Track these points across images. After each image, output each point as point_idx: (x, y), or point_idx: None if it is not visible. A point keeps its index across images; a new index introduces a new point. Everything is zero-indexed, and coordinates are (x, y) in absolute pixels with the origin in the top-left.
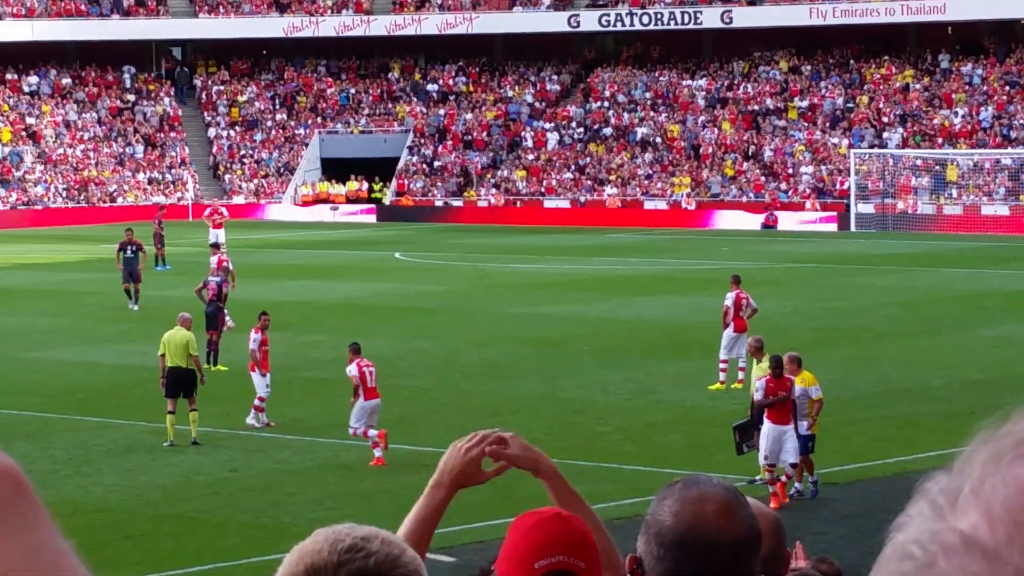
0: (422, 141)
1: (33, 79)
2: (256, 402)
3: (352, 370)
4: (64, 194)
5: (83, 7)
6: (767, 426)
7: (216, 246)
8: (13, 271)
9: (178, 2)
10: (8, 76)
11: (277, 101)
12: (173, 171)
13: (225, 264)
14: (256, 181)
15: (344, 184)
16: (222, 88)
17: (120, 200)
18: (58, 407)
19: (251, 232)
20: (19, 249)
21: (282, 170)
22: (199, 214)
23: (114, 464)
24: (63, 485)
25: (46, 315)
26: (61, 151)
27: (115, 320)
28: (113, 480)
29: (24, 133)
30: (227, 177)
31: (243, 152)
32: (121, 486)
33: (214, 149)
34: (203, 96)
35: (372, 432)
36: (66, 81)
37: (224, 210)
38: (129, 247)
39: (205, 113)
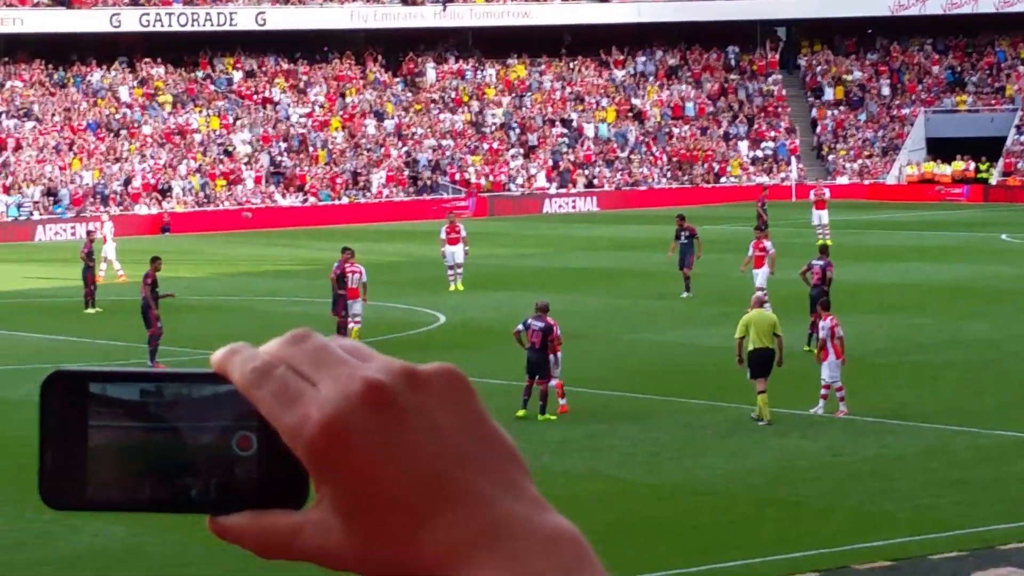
0: None
1: (640, 59)
2: (822, 391)
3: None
4: (668, 174)
5: None
6: None
7: (759, 228)
8: (619, 252)
9: None
10: (613, 57)
11: (882, 79)
12: (777, 151)
13: (765, 245)
14: (860, 161)
15: (949, 164)
16: (827, 67)
17: (724, 180)
18: (661, 389)
19: (856, 213)
20: (624, 230)
21: (887, 149)
22: (802, 195)
23: (718, 447)
24: (666, 468)
25: (647, 296)
26: (666, 131)
27: (718, 302)
28: (717, 463)
29: (630, 114)
30: (830, 157)
31: (847, 131)
32: (724, 469)
33: (818, 129)
34: (808, 75)
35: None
36: (672, 62)
37: (827, 191)
38: (683, 233)
39: (809, 93)
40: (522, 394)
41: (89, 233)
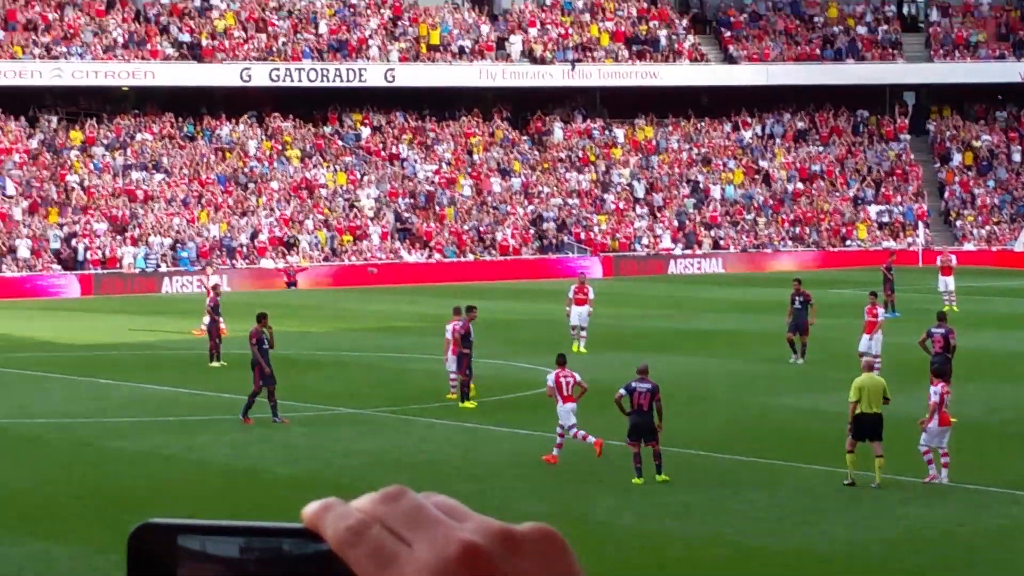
0: None
1: (768, 121)
2: (943, 458)
3: (551, 379)
4: (794, 237)
5: (817, 52)
6: None
7: (874, 294)
8: (743, 314)
9: (913, 47)
10: (742, 118)
11: (1012, 145)
12: (904, 216)
13: (877, 312)
14: (988, 227)
15: None
16: (956, 132)
17: (849, 243)
18: (786, 454)
19: (983, 280)
20: (749, 292)
21: (1015, 216)
22: (929, 260)
23: (839, 514)
24: (789, 535)
25: (770, 360)
26: (793, 193)
27: (842, 367)
28: (839, 530)
29: (757, 175)
30: (958, 223)
31: (975, 197)
32: (847, 537)
33: (946, 194)
34: (936, 140)
35: (581, 433)
36: (800, 124)
37: (953, 257)
38: (797, 298)
39: (937, 158)
40: (633, 462)
41: (215, 287)
